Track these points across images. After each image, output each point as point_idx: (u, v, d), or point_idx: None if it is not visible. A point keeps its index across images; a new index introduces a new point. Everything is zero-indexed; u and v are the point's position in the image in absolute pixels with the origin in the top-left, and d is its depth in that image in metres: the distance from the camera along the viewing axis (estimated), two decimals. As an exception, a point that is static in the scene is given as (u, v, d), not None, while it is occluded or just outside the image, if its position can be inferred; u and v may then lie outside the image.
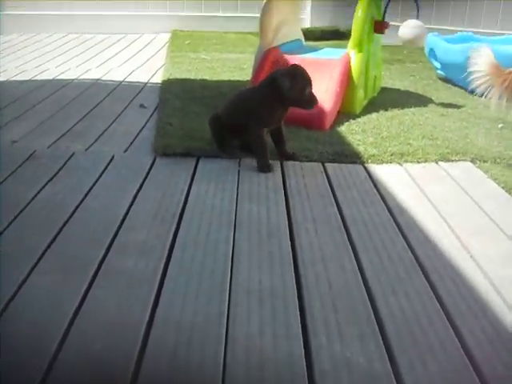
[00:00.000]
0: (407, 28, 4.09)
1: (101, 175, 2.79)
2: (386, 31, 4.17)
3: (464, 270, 2.06)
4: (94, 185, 2.67)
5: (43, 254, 2.07)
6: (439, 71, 5.09)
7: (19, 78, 4.81)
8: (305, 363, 1.56)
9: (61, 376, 1.50)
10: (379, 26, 4.13)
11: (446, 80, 4.99)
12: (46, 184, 2.66)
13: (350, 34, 3.98)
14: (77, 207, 2.44)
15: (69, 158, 2.98)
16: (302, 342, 1.63)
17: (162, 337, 1.65)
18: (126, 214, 2.40)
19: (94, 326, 1.69)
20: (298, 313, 1.77)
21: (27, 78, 4.78)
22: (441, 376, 1.54)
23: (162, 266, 2.01)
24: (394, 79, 5.00)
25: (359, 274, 2.00)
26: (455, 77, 4.89)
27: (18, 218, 2.35)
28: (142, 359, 1.55)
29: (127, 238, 2.21)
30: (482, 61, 2.92)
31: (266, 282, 1.92)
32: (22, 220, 2.34)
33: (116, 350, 1.60)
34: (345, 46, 4.01)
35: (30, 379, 1.48)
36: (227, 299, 1.82)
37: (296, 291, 1.88)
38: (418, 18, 4.17)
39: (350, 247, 2.18)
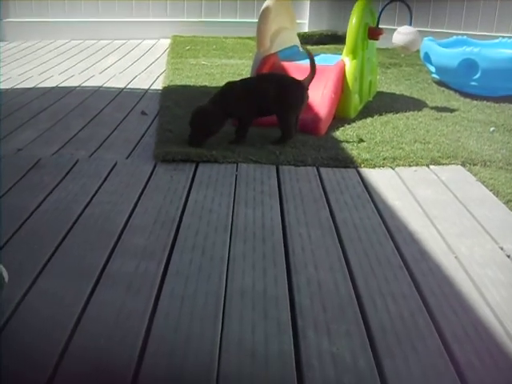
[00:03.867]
0: (400, 34, 4.17)
1: (104, 181, 2.90)
2: (381, 37, 4.27)
3: (448, 271, 2.16)
4: (97, 191, 2.78)
5: (50, 258, 2.18)
6: (434, 75, 5.18)
7: (23, 85, 4.89)
8: (294, 358, 1.67)
9: (68, 370, 1.61)
10: (373, 33, 4.22)
11: (440, 83, 5.08)
12: (52, 191, 2.77)
13: (347, 39, 4.05)
14: (81, 213, 2.55)
15: (73, 166, 3.08)
16: (291, 339, 1.74)
17: (161, 335, 1.76)
18: (128, 218, 2.51)
19: (98, 325, 1.81)
20: (289, 312, 1.87)
21: (31, 86, 4.86)
22: (421, 372, 1.64)
23: (161, 268, 2.12)
24: (389, 83, 5.08)
25: (348, 275, 2.10)
26: (449, 80, 4.99)
27: (25, 224, 2.46)
28: (143, 356, 1.66)
29: (129, 241, 2.32)
30: None
31: (260, 283, 2.04)
32: (28, 226, 2.44)
33: (118, 345, 1.71)
34: (342, 51, 4.08)
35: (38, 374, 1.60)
36: (223, 300, 1.93)
37: (287, 292, 1.99)
38: (411, 24, 4.26)
39: (340, 250, 2.29)
